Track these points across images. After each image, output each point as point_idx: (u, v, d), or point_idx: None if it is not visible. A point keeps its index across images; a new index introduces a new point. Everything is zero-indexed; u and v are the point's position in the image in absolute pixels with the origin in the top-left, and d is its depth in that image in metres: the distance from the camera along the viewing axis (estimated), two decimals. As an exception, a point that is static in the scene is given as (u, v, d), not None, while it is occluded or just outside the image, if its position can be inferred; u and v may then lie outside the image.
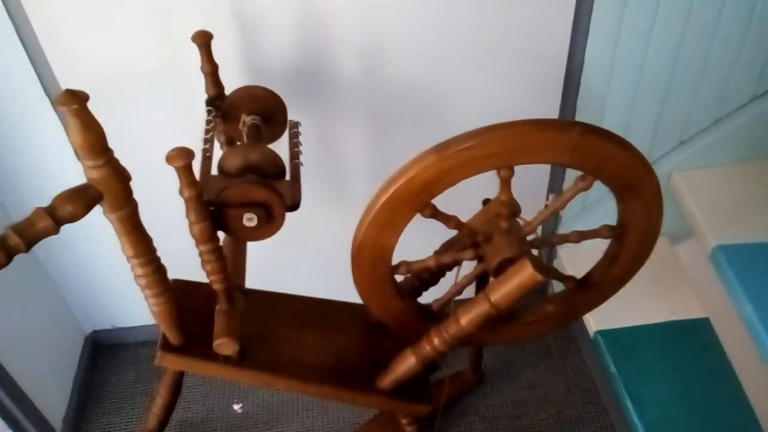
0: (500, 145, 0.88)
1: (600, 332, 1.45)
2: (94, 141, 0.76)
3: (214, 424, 1.52)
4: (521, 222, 1.06)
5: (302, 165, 1.04)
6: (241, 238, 0.96)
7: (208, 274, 0.97)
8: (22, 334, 1.41)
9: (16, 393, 1.31)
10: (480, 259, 1.06)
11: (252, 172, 0.99)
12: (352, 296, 1.08)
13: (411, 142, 1.38)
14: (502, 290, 0.99)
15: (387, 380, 1.13)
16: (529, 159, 0.91)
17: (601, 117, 1.36)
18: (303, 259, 1.51)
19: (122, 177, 0.81)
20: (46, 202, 0.76)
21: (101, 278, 1.55)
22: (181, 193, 0.86)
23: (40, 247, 0.79)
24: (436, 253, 1.15)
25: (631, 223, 1.02)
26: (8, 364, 1.29)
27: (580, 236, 1.05)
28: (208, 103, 1.11)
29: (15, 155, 1.26)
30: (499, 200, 0.99)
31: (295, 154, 1.06)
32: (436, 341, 1.08)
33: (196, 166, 1.01)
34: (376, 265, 1.02)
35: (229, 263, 1.08)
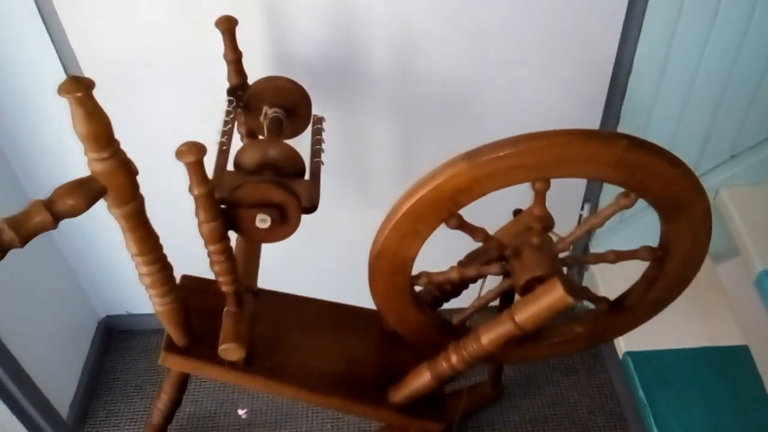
0: (537, 156, 0.81)
1: (630, 353, 1.37)
2: (99, 131, 0.71)
3: (221, 419, 1.48)
4: (554, 237, 0.99)
5: (323, 164, 0.98)
6: (253, 239, 0.91)
7: (217, 275, 0.91)
8: (33, 316, 1.38)
9: (20, 376, 1.28)
10: (507, 274, 0.99)
11: (269, 170, 0.94)
12: (371, 301, 1.02)
13: (440, 143, 1.32)
14: (529, 311, 0.92)
15: (399, 395, 1.07)
16: (569, 172, 0.83)
17: (646, 127, 1.28)
18: (321, 260, 1.46)
19: (128, 171, 0.76)
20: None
21: (117, 262, 1.51)
22: (190, 190, 0.80)
23: (56, 229, 0.75)
24: (460, 264, 1.08)
25: (675, 246, 0.94)
26: (14, 345, 1.26)
27: (618, 256, 0.97)
28: (230, 92, 1.06)
29: (35, 137, 1.23)
30: (531, 213, 0.91)
31: (316, 152, 0.99)
32: (453, 359, 1.01)
33: (211, 159, 0.96)
34: (395, 275, 0.96)
35: (240, 263, 1.03)
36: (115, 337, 1.66)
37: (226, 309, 0.97)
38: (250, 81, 1.07)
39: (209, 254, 0.89)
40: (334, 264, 1.44)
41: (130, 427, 1.49)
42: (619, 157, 0.81)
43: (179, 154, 0.77)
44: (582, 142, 0.80)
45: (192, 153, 0.77)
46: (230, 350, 0.94)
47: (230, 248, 0.90)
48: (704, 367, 1.35)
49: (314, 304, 1.16)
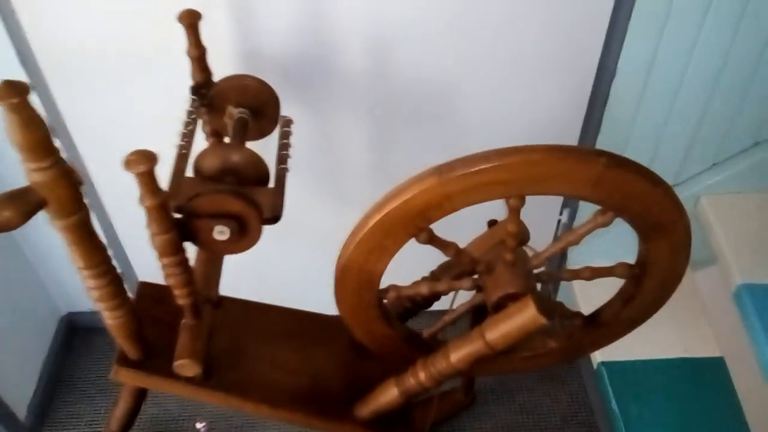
0: (512, 172, 0.77)
1: (604, 363, 1.34)
2: (37, 140, 0.65)
3: (186, 423, 1.44)
4: (529, 251, 0.95)
5: (288, 171, 0.93)
6: (212, 251, 0.86)
7: (172, 288, 0.86)
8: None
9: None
10: (480, 288, 0.95)
11: (231, 176, 0.88)
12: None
13: (416, 144, 1.28)
14: (501, 329, 0.88)
15: (366, 410, 1.04)
16: (544, 190, 0.79)
17: (629, 132, 1.23)
18: (289, 262, 1.41)
19: (70, 181, 0.70)
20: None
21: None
22: (141, 201, 0.75)
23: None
24: (432, 275, 1.04)
25: (653, 265, 0.90)
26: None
27: (593, 273, 0.93)
28: (193, 91, 1.00)
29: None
30: (505, 228, 0.87)
31: (282, 158, 0.94)
32: (421, 376, 0.97)
33: (169, 164, 0.91)
34: (362, 290, 0.91)
35: (200, 271, 0.98)
36: (77, 335, 1.60)
37: (183, 321, 0.93)
38: (216, 78, 1.01)
39: (163, 267, 0.83)
40: (302, 267, 1.39)
41: (91, 429, 1.44)
42: (597, 175, 0.77)
43: (128, 164, 0.71)
44: (559, 160, 0.76)
45: (141, 163, 0.71)
46: (185, 366, 0.89)
47: (186, 260, 0.85)
48: (679, 379, 1.33)
49: (279, 313, 1.11)
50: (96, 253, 0.77)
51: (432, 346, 1.02)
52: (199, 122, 1.01)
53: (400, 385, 1.00)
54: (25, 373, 1.44)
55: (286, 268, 1.43)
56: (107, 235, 1.40)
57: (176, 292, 0.87)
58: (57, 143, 1.17)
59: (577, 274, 0.94)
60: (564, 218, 1.39)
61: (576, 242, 0.88)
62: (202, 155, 0.88)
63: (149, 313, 0.96)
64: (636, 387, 1.31)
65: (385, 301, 0.96)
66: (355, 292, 0.92)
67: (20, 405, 1.40)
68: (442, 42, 1.08)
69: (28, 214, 0.67)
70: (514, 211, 0.83)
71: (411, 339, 1.03)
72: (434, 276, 1.04)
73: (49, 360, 1.51)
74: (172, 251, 0.81)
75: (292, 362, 1.06)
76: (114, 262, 0.83)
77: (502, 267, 0.91)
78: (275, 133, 1.03)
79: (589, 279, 0.94)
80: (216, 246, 0.84)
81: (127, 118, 1.14)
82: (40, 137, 0.65)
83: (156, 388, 1.01)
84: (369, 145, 1.22)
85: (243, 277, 1.18)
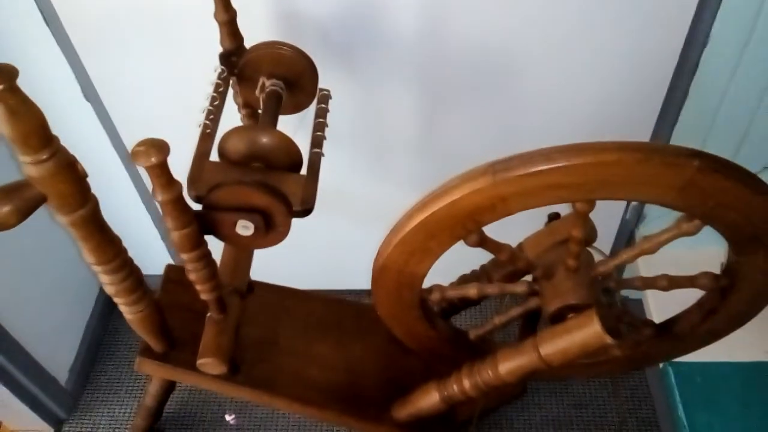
0: (580, 175, 0.64)
1: (671, 363, 1.22)
2: (30, 130, 0.57)
3: (221, 399, 1.40)
4: (595, 254, 0.83)
5: (324, 155, 0.83)
6: (236, 245, 0.77)
7: (194, 283, 0.79)
8: (27, 279, 1.30)
9: (6, 341, 1.21)
10: (535, 291, 0.84)
11: (258, 161, 0.79)
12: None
13: (467, 119, 1.14)
14: (558, 345, 0.78)
15: (404, 412, 0.96)
16: (619, 195, 0.66)
17: (718, 110, 1.07)
18: (329, 238, 1.32)
19: (72, 174, 0.62)
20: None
21: (122, 222, 1.40)
22: (154, 195, 0.67)
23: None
24: (482, 270, 0.93)
25: (745, 278, 0.77)
26: (4, 309, 1.19)
27: (671, 283, 0.81)
28: (222, 59, 0.90)
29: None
30: (570, 233, 0.75)
31: (317, 141, 0.84)
32: (466, 384, 0.88)
33: (193, 143, 0.82)
34: (402, 290, 0.82)
35: (227, 258, 0.91)
36: (119, 299, 1.58)
37: (208, 315, 0.86)
38: (248, 45, 0.90)
39: (183, 262, 0.76)
40: (343, 244, 1.31)
41: (131, 393, 1.43)
42: (687, 180, 0.63)
43: (135, 156, 0.62)
44: (639, 163, 0.63)
45: (151, 154, 0.62)
46: (209, 365, 0.83)
47: (208, 253, 0.77)
48: (755, 384, 1.20)
49: (315, 301, 1.03)
50: (108, 247, 0.70)
51: (478, 349, 0.93)
52: (230, 95, 0.92)
53: (442, 391, 0.91)
54: (66, 339, 1.43)
55: (325, 245, 1.35)
56: (149, 209, 1.34)
57: (198, 287, 0.79)
58: (91, 112, 1.13)
59: (651, 283, 0.81)
60: (629, 215, 1.25)
61: (653, 251, 0.75)
62: (227, 137, 0.78)
63: (176, 299, 0.90)
64: (707, 393, 1.18)
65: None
66: (395, 293, 0.82)
67: (62, 370, 1.40)
68: (502, 9, 0.93)
69: (25, 212, 0.60)
70: (582, 216, 0.71)
71: (456, 340, 0.93)
72: (485, 271, 0.93)
73: (90, 325, 1.49)
74: (192, 246, 0.73)
75: (328, 356, 0.98)
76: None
77: (563, 273, 0.80)
78: (312, 108, 0.92)
79: (666, 290, 0.81)
80: (240, 240, 0.76)
81: (157, 87, 1.05)
82: (33, 126, 0.57)
83: (182, 381, 0.95)
84: (416, 118, 1.10)
85: (279, 253, 1.10)
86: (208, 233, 0.75)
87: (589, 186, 0.65)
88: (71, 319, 1.46)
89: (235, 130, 0.79)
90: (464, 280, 0.93)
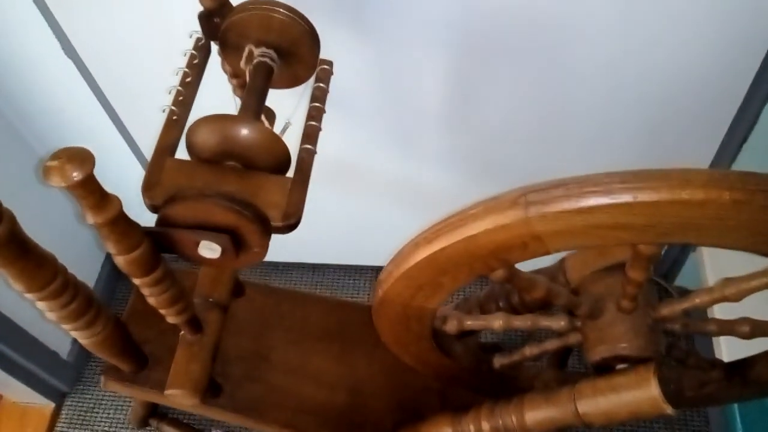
0: (652, 216, 0.46)
1: (740, 405, 1.04)
2: None
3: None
4: (656, 293, 0.65)
5: (316, 153, 0.66)
6: (204, 266, 0.62)
7: (157, 308, 0.65)
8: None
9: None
10: (576, 328, 0.68)
11: (233, 160, 0.63)
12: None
13: (507, 87, 0.94)
14: (601, 405, 0.62)
15: (413, 444, 0.82)
16: (704, 240, 0.48)
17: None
18: (344, 217, 1.17)
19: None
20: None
21: (116, 183, 1.29)
22: (83, 218, 0.52)
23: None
24: (502, 290, 0.76)
25: None
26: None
27: (755, 329, 0.63)
28: (202, 19, 0.73)
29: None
30: (626, 275, 0.57)
31: (310, 132, 0.67)
32: (485, 426, 0.73)
33: (156, 132, 0.66)
34: (410, 323, 0.67)
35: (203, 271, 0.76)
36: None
37: (181, 334, 0.72)
38: (235, 2, 0.73)
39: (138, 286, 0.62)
40: (362, 219, 1.16)
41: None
42: (801, 229, 0.45)
43: (48, 173, 0.47)
44: (735, 205, 0.44)
45: (69, 170, 0.47)
46: (178, 397, 0.70)
47: (169, 273, 0.62)
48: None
49: (315, 305, 0.89)
50: (37, 272, 0.56)
51: (502, 382, 0.78)
52: (218, 63, 0.75)
53: (456, 428, 0.77)
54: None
55: (343, 219, 1.20)
56: (140, 160, 1.21)
57: (162, 312, 0.66)
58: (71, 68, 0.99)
59: (729, 329, 0.64)
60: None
61: (736, 300, 0.57)
62: (195, 128, 0.62)
63: (149, 307, 0.76)
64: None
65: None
66: (400, 325, 0.67)
67: (63, 343, 1.32)
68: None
69: None
70: (644, 260, 0.53)
71: (477, 371, 0.78)
72: (505, 292, 0.76)
73: (97, 292, 1.40)
74: (144, 271, 0.59)
75: (327, 372, 0.85)
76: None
77: (613, 313, 0.63)
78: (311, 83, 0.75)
79: (747, 337, 0.64)
80: (206, 263, 0.61)
81: (137, 49, 0.90)
82: None
83: (156, 401, 0.84)
84: (446, 88, 0.91)
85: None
86: (165, 252, 0.61)
87: (660, 228, 0.47)
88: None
89: (205, 120, 0.62)
90: (479, 302, 0.77)
